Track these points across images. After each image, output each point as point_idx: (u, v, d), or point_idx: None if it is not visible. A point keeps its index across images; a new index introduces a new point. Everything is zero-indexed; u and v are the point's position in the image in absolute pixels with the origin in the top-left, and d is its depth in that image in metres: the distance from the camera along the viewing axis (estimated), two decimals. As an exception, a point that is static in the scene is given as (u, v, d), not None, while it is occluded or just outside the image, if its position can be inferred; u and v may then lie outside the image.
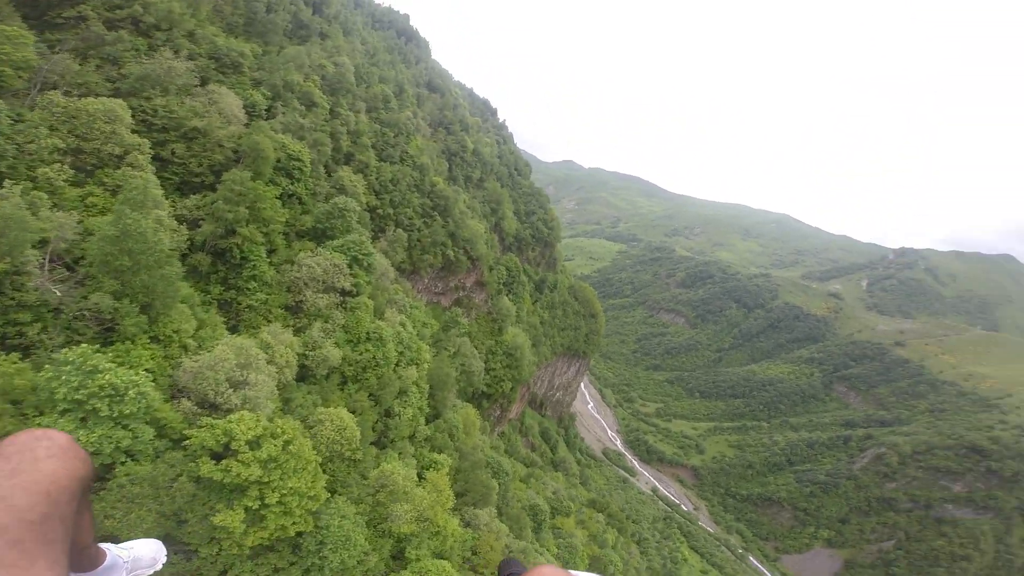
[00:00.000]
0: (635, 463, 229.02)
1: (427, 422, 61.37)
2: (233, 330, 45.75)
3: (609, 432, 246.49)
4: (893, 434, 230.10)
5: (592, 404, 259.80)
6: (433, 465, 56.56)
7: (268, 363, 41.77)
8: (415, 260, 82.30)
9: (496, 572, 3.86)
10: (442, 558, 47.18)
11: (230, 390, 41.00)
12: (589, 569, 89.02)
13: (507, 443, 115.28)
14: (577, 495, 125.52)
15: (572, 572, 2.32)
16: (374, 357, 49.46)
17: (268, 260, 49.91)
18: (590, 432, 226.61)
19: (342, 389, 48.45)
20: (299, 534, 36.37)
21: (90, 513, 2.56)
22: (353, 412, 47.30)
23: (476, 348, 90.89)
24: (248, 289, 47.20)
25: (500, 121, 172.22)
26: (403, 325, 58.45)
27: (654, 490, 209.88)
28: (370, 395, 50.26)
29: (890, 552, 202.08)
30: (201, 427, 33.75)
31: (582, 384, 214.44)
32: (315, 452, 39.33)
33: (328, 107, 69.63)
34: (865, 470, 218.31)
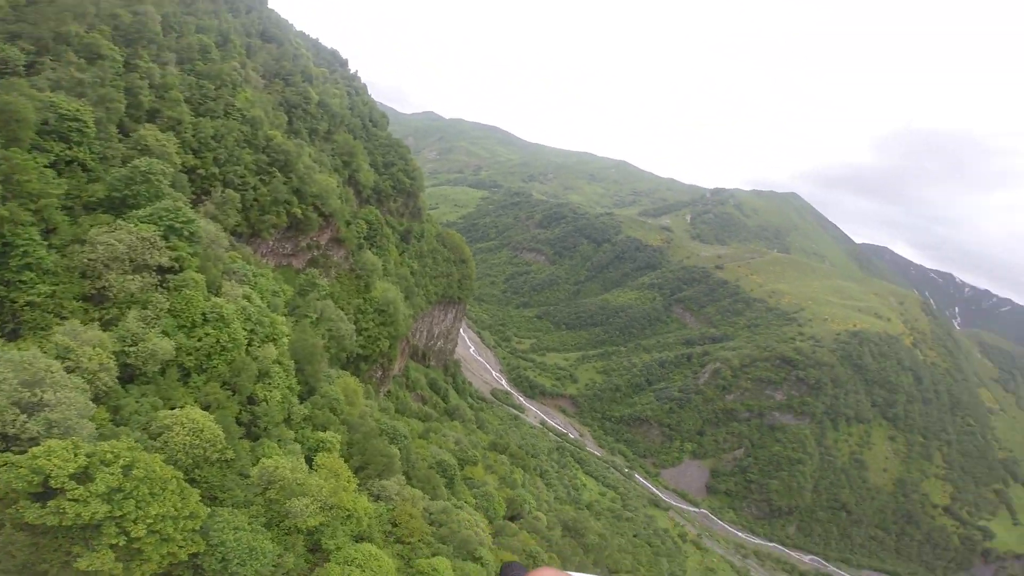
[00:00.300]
0: (522, 399, 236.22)
1: (301, 401, 53.75)
2: (13, 336, 34.35)
3: (494, 372, 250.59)
4: (723, 350, 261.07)
5: (473, 348, 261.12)
6: (321, 446, 50.00)
7: (70, 372, 31.75)
8: (254, 222, 71.21)
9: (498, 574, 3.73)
10: (363, 540, 42.24)
11: (23, 416, 30.97)
12: (508, 510, 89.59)
13: (396, 402, 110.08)
14: (478, 440, 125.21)
15: (570, 574, 2.54)
16: (218, 341, 40.86)
17: (46, 243, 38.22)
18: (476, 375, 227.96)
19: (186, 384, 39.47)
20: (194, 555, 31.68)
21: None
22: (207, 408, 38.90)
23: (343, 309, 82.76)
24: (22, 282, 35.59)
25: (351, 72, 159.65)
26: (248, 298, 49.37)
27: (543, 423, 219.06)
28: (224, 384, 41.80)
29: (743, 459, 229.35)
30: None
31: (461, 329, 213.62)
32: (173, 465, 31.65)
33: (121, 60, 56.43)
34: (708, 384, 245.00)
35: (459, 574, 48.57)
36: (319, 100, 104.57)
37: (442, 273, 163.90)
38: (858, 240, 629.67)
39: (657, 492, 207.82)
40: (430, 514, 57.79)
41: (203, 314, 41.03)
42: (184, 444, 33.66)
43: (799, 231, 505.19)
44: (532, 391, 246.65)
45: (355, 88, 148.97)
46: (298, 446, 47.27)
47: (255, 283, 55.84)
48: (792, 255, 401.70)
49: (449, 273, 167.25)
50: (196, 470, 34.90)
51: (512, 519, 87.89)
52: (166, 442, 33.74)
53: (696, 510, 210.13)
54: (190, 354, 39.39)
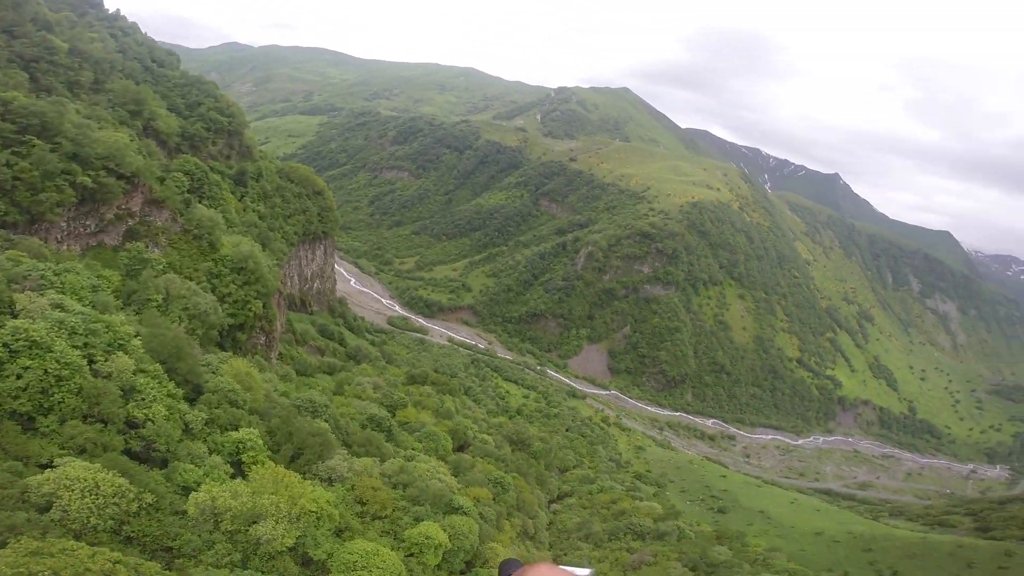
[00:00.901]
0: (422, 321, 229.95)
1: (192, 404, 42.60)
2: None
3: (384, 300, 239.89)
4: (591, 233, 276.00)
5: (354, 280, 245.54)
6: (241, 448, 40.62)
7: None
8: (26, 206, 54.12)
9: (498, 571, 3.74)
10: (343, 533, 35.95)
11: None
12: (454, 439, 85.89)
13: (293, 363, 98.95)
14: (394, 378, 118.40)
15: (567, 568, 2.62)
16: (45, 372, 28.89)
17: None
18: (367, 308, 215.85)
19: (30, 432, 27.64)
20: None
21: None
22: (82, 452, 27.78)
23: (191, 279, 68.21)
24: None
25: (110, 12, 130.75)
26: (60, 306, 36.05)
27: (450, 340, 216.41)
28: (85, 418, 30.36)
29: (631, 336, 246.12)
30: None
31: (336, 264, 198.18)
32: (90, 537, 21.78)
33: None
34: (585, 268, 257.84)
35: (451, 532, 44.03)
36: (70, 48, 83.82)
37: (297, 210, 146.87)
38: (683, 126, 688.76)
39: (571, 383, 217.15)
40: (390, 478, 51.63)
41: (4, 346, 28.33)
42: (88, 508, 23.86)
43: (634, 121, 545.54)
44: (430, 310, 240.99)
45: (121, 29, 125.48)
46: (217, 458, 37.50)
47: (62, 282, 41.56)
48: (632, 143, 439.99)
49: (305, 209, 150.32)
50: (125, 527, 25.48)
51: (461, 449, 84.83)
52: (65, 512, 23.54)
53: (607, 392, 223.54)
54: (15, 397, 27.20)
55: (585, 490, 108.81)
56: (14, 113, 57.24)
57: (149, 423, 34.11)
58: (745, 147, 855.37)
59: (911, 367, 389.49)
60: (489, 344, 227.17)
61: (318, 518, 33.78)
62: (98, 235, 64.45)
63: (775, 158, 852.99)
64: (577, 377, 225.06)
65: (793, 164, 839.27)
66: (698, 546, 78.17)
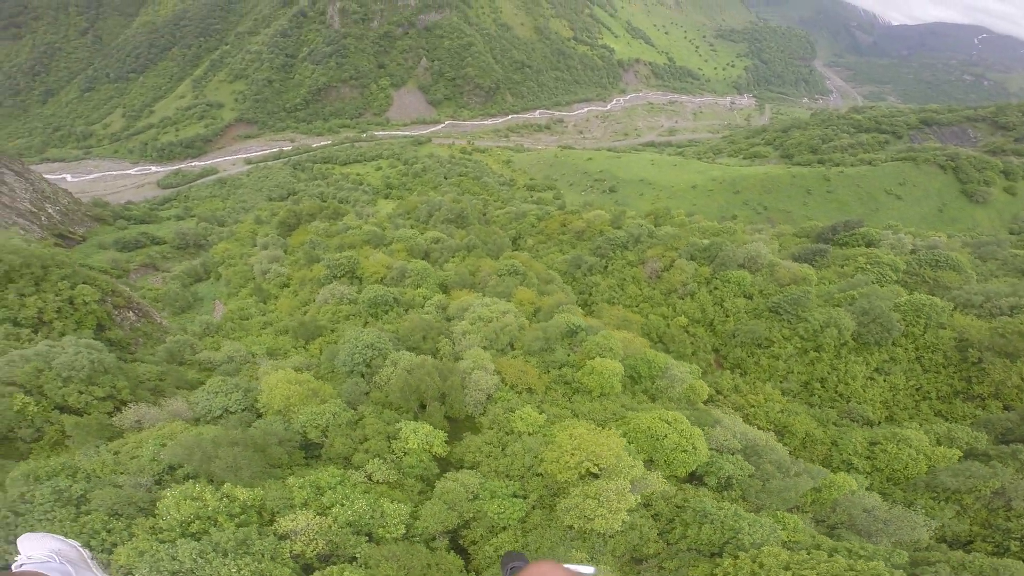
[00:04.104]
0: (197, 163, 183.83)
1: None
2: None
3: (133, 171, 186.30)
4: None
5: (69, 176, 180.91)
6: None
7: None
8: None
9: (500, 564, 3.72)
10: None
11: None
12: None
13: (171, 304, 73.62)
14: (245, 232, 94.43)
15: (571, 567, 2.61)
16: None
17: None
18: (123, 191, 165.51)
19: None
20: None
21: None
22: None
23: None
24: None
25: None
26: None
27: (248, 162, 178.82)
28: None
29: (432, 67, 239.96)
30: None
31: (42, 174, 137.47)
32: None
33: None
34: (347, 24, 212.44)
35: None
36: None
37: None
38: None
39: (405, 133, 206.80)
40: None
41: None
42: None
43: None
44: (194, 148, 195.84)
45: None
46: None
47: None
48: None
49: None
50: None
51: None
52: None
53: (442, 125, 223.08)
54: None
55: (526, 226, 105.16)
56: None
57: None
58: None
59: (655, 25, 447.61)
60: (293, 142, 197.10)
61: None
62: None
63: None
64: (405, 125, 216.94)
65: None
66: (673, 237, 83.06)
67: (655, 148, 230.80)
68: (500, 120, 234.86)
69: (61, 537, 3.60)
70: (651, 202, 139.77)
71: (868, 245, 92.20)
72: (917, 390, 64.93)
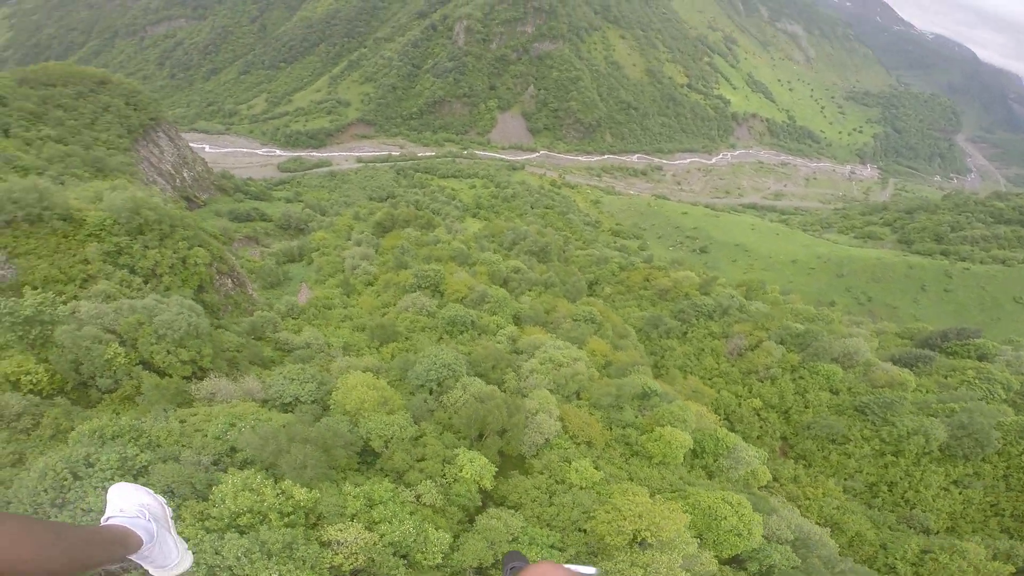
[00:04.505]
0: (316, 154, 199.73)
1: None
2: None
3: (260, 152, 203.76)
4: (461, 7, 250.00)
5: (208, 146, 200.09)
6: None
7: None
8: None
9: (501, 565, 3.74)
10: None
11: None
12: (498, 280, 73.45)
13: (263, 279, 79.48)
14: (344, 224, 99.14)
15: (572, 567, 2.61)
16: None
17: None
18: (247, 168, 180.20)
19: None
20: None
21: None
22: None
23: (70, 278, 46.53)
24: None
25: None
26: None
27: (359, 160, 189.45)
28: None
29: (538, 95, 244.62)
30: None
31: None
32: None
33: None
34: (469, 42, 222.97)
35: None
36: None
37: (94, 112, 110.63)
38: None
39: (502, 156, 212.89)
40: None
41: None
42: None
43: None
44: (316, 140, 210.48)
45: None
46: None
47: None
48: None
49: (105, 106, 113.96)
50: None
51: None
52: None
53: (537, 154, 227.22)
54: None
55: (607, 272, 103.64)
56: None
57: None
58: None
59: (779, 80, 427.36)
60: (402, 148, 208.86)
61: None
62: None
63: None
64: (504, 148, 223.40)
65: None
66: (765, 316, 79.54)
67: (757, 211, 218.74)
68: (595, 158, 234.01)
69: (150, 491, 3.55)
70: (744, 270, 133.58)
71: (980, 358, 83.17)
72: (992, 506, 58.82)
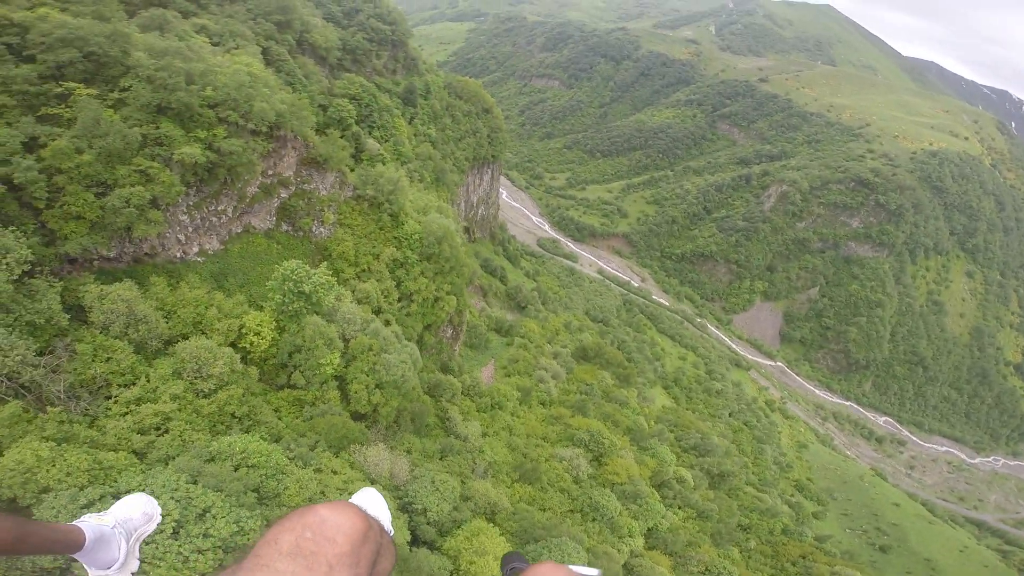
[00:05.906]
0: (571, 245, 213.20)
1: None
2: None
3: (534, 218, 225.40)
4: (787, 170, 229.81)
5: (506, 193, 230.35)
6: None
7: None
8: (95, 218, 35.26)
9: (500, 565, 3.89)
10: None
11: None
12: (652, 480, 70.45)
13: (470, 336, 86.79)
14: (554, 325, 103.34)
15: (572, 568, 2.51)
16: None
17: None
18: (517, 225, 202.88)
19: None
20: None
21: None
22: None
23: (368, 271, 54.31)
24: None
25: None
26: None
27: (600, 272, 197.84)
28: None
29: (817, 301, 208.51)
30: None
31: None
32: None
33: None
34: (775, 210, 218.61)
35: None
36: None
37: (467, 131, 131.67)
38: (905, 54, 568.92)
39: (733, 346, 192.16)
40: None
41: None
42: None
43: (843, 43, 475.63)
44: (580, 233, 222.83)
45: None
46: None
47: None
48: (841, 68, 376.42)
49: (475, 130, 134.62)
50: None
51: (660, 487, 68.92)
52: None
53: (772, 364, 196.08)
54: None
55: (765, 527, 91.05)
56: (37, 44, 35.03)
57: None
58: (988, 87, 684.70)
59: None
60: (643, 281, 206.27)
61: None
62: (242, 218, 48.51)
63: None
64: (741, 339, 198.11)
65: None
66: None
67: (981, 531, 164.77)
68: (834, 400, 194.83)
69: (153, 501, 3.61)
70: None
71: None
72: None
